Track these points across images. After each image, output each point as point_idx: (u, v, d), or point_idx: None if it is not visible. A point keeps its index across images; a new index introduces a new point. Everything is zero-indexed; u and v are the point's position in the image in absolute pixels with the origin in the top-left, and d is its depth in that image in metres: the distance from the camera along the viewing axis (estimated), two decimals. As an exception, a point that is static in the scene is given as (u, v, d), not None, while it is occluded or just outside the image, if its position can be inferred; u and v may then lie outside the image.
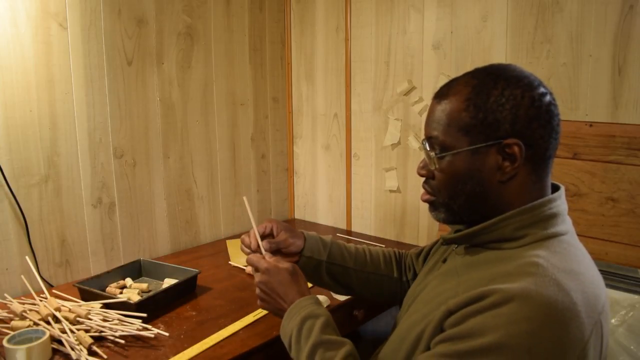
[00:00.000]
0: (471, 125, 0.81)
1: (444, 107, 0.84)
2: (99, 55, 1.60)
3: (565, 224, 0.83)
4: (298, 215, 2.34)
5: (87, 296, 1.36)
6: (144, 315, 1.24)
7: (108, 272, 1.48)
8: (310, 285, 1.12)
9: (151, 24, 1.73)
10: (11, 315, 1.23)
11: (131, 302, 1.29)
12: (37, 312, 1.22)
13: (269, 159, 2.22)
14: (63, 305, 1.24)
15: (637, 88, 1.40)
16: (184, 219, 1.91)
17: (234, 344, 1.20)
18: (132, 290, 1.41)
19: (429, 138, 0.86)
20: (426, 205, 0.92)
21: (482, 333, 0.69)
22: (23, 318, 1.20)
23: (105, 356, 1.11)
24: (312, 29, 2.13)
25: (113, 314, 1.25)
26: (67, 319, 1.20)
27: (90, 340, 1.14)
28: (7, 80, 1.42)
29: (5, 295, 1.34)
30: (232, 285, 1.55)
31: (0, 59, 1.40)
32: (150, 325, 1.23)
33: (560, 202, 0.84)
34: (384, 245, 1.33)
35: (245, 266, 1.67)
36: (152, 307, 1.32)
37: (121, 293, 1.40)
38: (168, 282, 1.48)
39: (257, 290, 1.02)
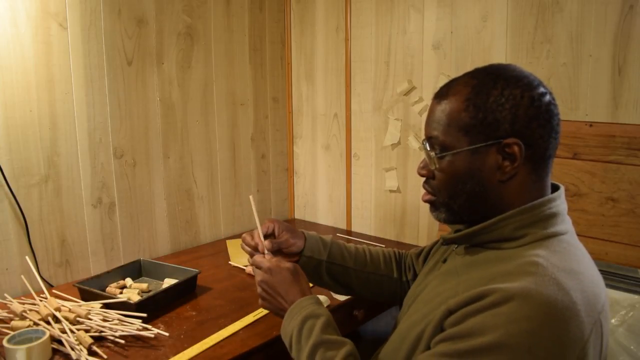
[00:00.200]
0: (471, 125, 0.81)
1: (443, 107, 0.84)
2: (99, 55, 1.60)
3: (565, 224, 0.83)
4: (298, 215, 2.34)
5: (87, 296, 1.36)
6: (144, 315, 1.24)
7: (108, 272, 1.48)
8: (310, 285, 1.12)
9: (151, 24, 1.73)
10: (11, 315, 1.23)
11: (131, 302, 1.29)
12: (37, 312, 1.22)
13: (269, 159, 2.22)
14: (63, 305, 1.24)
15: (637, 88, 1.40)
16: (184, 219, 1.91)
17: (234, 344, 1.20)
18: (132, 290, 1.41)
19: (429, 138, 0.86)
20: (426, 206, 0.92)
21: (482, 332, 0.70)
22: (23, 318, 1.20)
23: (105, 356, 1.11)
24: (312, 29, 2.13)
25: (113, 314, 1.25)
26: (67, 319, 1.20)
27: (90, 340, 1.14)
28: (7, 80, 1.42)
29: (5, 295, 1.34)
30: (232, 285, 1.55)
31: (0, 59, 1.40)
32: (150, 325, 1.23)
33: (560, 202, 0.84)
34: (384, 245, 1.33)
35: (246, 266, 1.67)
36: (152, 307, 1.32)
37: (121, 293, 1.40)
38: (168, 282, 1.48)
39: (259, 290, 1.02)
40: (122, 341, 1.17)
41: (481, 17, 1.66)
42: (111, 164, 1.67)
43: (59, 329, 1.16)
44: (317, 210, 2.26)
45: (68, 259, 1.59)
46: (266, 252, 1.06)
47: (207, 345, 1.18)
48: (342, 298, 1.44)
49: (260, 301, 1.03)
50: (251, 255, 1.08)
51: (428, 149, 0.86)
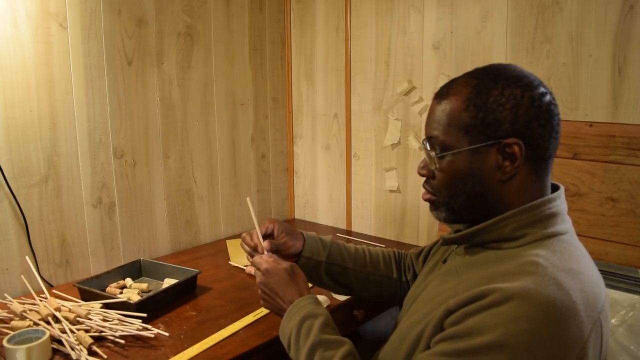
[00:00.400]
0: (471, 125, 0.81)
1: (444, 107, 0.84)
2: (99, 55, 1.60)
3: (565, 224, 0.83)
4: (298, 215, 2.34)
5: (87, 296, 1.36)
6: (144, 315, 1.24)
7: (108, 272, 1.48)
8: (310, 285, 1.12)
9: (151, 24, 1.73)
10: (11, 315, 1.23)
11: (131, 302, 1.29)
12: (37, 312, 1.22)
13: (269, 159, 2.22)
14: (63, 305, 1.24)
15: (637, 88, 1.40)
16: (184, 219, 1.91)
17: (234, 344, 1.20)
18: (132, 290, 1.41)
19: (429, 138, 0.86)
20: (426, 206, 0.92)
21: (482, 332, 0.70)
22: (23, 318, 1.20)
23: (105, 356, 1.11)
24: (312, 29, 2.13)
25: (113, 314, 1.25)
26: (67, 319, 1.20)
27: (90, 340, 1.14)
28: (7, 80, 1.42)
29: (5, 295, 1.34)
30: (232, 285, 1.55)
31: (0, 59, 1.40)
32: (150, 325, 1.23)
33: (560, 202, 0.84)
34: (384, 245, 1.33)
35: (246, 266, 1.67)
36: (152, 307, 1.32)
37: (121, 293, 1.40)
38: (168, 282, 1.48)
39: (259, 291, 1.03)
40: (122, 341, 1.17)
41: (481, 17, 1.66)
42: (111, 164, 1.67)
43: (59, 329, 1.16)
44: (317, 210, 2.26)
45: (68, 259, 1.59)
46: (265, 252, 1.06)
47: (207, 345, 1.18)
48: (342, 298, 1.44)
49: (261, 302, 1.04)
50: (251, 255, 1.09)
51: (428, 148, 0.86)
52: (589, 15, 1.45)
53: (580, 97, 1.49)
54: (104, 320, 1.22)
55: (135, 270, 1.56)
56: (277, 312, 1.00)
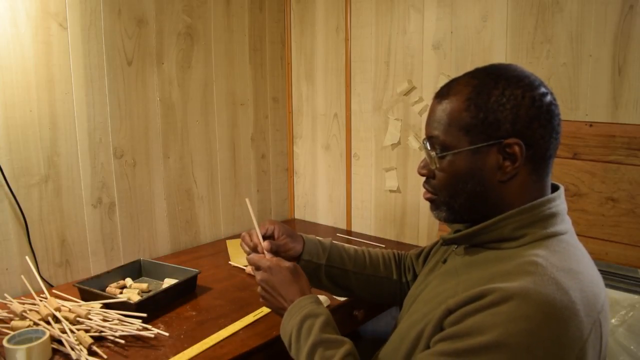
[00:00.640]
0: (472, 125, 0.81)
1: (444, 106, 0.84)
2: (99, 55, 1.60)
3: (565, 224, 0.83)
4: (298, 215, 2.34)
5: (87, 296, 1.36)
6: (144, 315, 1.24)
7: (108, 272, 1.48)
8: (310, 286, 1.12)
9: (151, 24, 1.73)
10: (11, 315, 1.23)
11: (131, 302, 1.29)
12: (37, 312, 1.22)
13: (269, 159, 2.22)
14: (63, 305, 1.24)
15: (637, 88, 1.40)
16: (184, 219, 1.91)
17: (234, 344, 1.20)
18: (132, 290, 1.41)
19: (429, 138, 0.86)
20: (426, 206, 0.92)
21: (481, 331, 0.70)
22: (23, 318, 1.20)
23: (105, 356, 1.11)
24: (312, 29, 2.13)
25: (113, 314, 1.25)
26: (67, 319, 1.20)
27: (90, 340, 1.14)
28: (7, 80, 1.42)
29: (5, 295, 1.34)
30: (232, 285, 1.55)
31: (0, 59, 1.40)
32: (150, 325, 1.23)
33: (560, 202, 0.84)
34: (384, 246, 1.33)
35: (245, 266, 1.67)
36: (152, 307, 1.32)
37: (121, 293, 1.40)
38: (168, 282, 1.48)
39: (259, 289, 1.03)
40: (122, 341, 1.17)
41: (481, 17, 1.66)
42: (111, 164, 1.67)
43: (59, 329, 1.16)
44: (317, 210, 2.26)
45: (68, 259, 1.59)
46: (265, 252, 1.06)
47: (207, 345, 1.18)
48: (342, 298, 1.44)
49: (261, 299, 1.03)
50: (249, 255, 1.08)
51: (429, 148, 0.86)
52: (589, 15, 1.45)
53: (580, 97, 1.49)
54: (104, 320, 1.22)
55: (135, 270, 1.56)
56: (277, 310, 1.00)
